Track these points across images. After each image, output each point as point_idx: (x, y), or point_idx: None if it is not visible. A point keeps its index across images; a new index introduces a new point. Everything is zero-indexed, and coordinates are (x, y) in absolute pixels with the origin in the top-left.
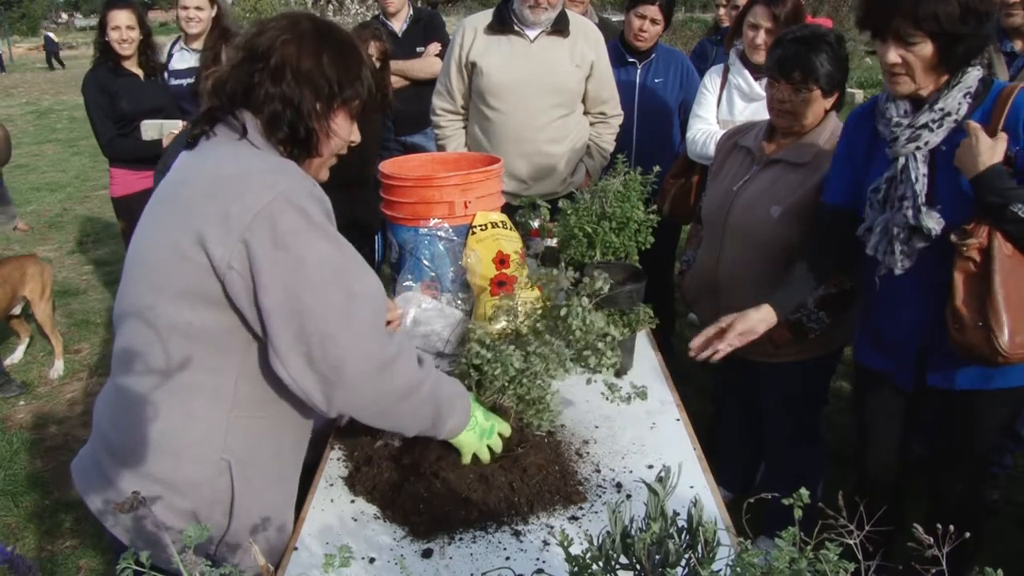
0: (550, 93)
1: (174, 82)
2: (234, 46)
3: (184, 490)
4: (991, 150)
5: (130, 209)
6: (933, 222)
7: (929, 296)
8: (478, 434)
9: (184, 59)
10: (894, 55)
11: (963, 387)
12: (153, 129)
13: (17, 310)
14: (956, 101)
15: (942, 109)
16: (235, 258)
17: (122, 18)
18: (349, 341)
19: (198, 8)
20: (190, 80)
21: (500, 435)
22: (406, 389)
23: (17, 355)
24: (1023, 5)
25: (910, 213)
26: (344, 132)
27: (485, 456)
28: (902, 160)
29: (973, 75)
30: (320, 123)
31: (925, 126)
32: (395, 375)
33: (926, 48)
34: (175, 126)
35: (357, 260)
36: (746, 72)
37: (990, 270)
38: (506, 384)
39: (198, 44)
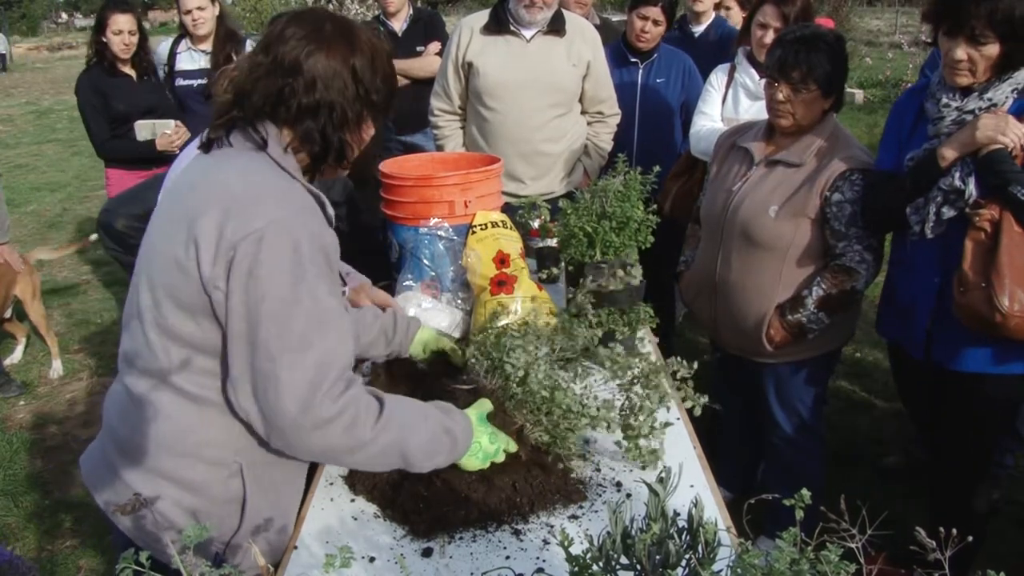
0: (547, 93)
1: (182, 82)
2: (256, 50)
3: (195, 489)
4: (994, 130)
5: None
6: (972, 187)
7: (942, 268)
8: (481, 459)
9: (193, 59)
10: (962, 52)
11: (966, 368)
12: (146, 129)
13: (8, 312)
14: (1004, 94)
15: (990, 99)
16: (220, 278)
17: (124, 22)
18: (287, 390)
19: (200, 8)
20: (201, 81)
21: (506, 451)
22: (348, 447)
23: (16, 355)
24: None
25: (957, 175)
26: (368, 136)
27: (485, 467)
28: (943, 139)
29: None
30: (354, 132)
31: (972, 112)
32: (331, 436)
33: (994, 48)
34: (167, 126)
35: (330, 313)
36: (752, 71)
37: (998, 240)
38: (543, 419)
39: (206, 45)
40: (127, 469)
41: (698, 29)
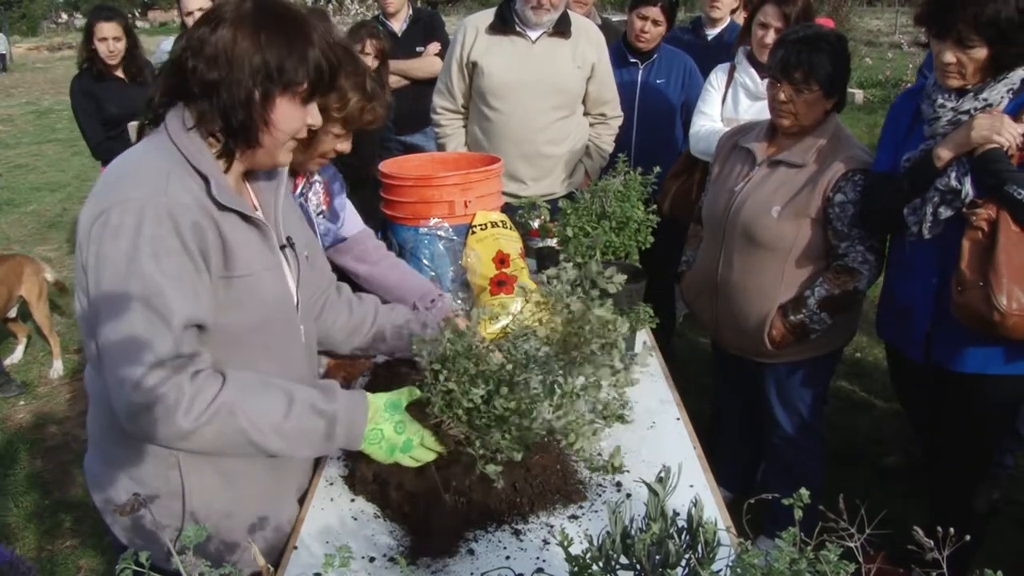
0: (551, 94)
1: None
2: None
3: (143, 482)
4: (989, 129)
5: None
6: (968, 186)
7: (940, 268)
8: (385, 450)
9: None
10: (950, 56)
11: (965, 369)
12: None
13: (13, 312)
14: (999, 94)
15: (985, 99)
16: (86, 260)
17: (108, 30)
18: (111, 374)
19: (201, 9)
20: None
21: (429, 447)
22: (170, 435)
23: (17, 355)
24: None
25: (953, 175)
26: (289, 121)
27: (410, 463)
28: (939, 139)
29: (1020, 73)
30: (258, 112)
31: (967, 112)
32: (149, 422)
33: (981, 52)
34: None
35: (161, 296)
36: (752, 71)
37: (995, 240)
38: (459, 412)
39: None
40: (98, 462)
41: (712, 32)
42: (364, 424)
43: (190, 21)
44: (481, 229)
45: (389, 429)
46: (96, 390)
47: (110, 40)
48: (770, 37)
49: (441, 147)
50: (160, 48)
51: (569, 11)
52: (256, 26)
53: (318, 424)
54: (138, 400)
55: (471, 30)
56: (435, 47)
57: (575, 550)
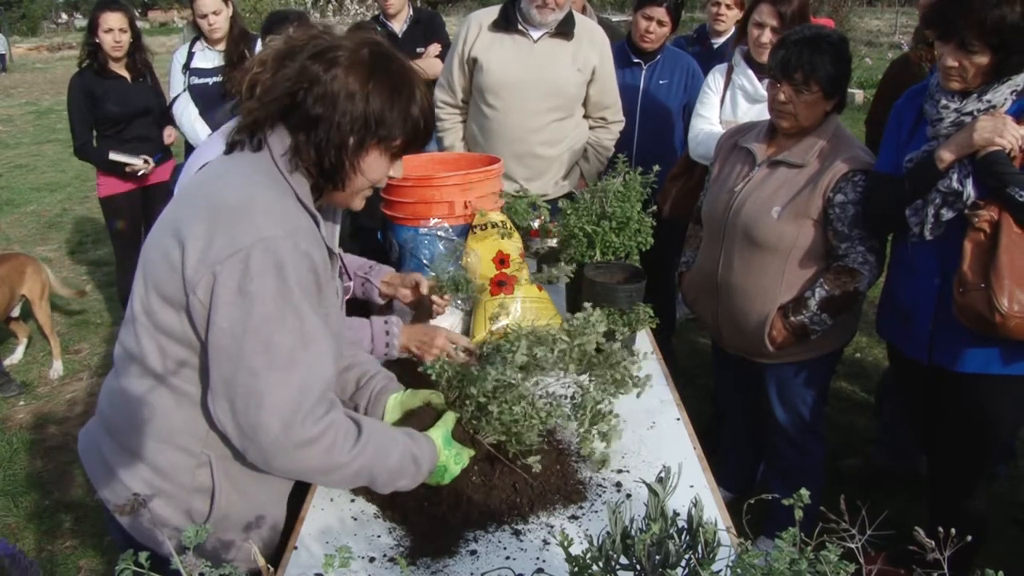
0: (548, 95)
1: (197, 80)
2: (291, 53)
3: (165, 473)
4: (992, 131)
5: (116, 209)
6: (970, 189)
7: (942, 270)
8: (445, 479)
9: (207, 58)
10: (952, 60)
11: (967, 370)
12: (121, 159)
13: (16, 311)
14: (1003, 96)
15: (989, 101)
16: (200, 286)
17: (114, 20)
18: (271, 407)
19: (215, 12)
20: (216, 79)
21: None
22: (324, 469)
23: (17, 355)
24: None
25: (955, 177)
26: (375, 172)
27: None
28: (941, 140)
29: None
30: (350, 158)
31: (970, 114)
32: (310, 456)
33: (984, 58)
34: (129, 162)
35: (314, 333)
36: (750, 72)
37: (997, 241)
38: (496, 424)
39: (220, 45)
40: (112, 450)
41: (718, 41)
42: (435, 464)
43: (204, 24)
44: (481, 229)
45: (452, 464)
46: (140, 392)
47: (115, 31)
48: (766, 36)
49: (439, 140)
50: (176, 54)
51: (575, 13)
52: (367, 75)
53: (410, 469)
54: (305, 435)
55: (474, 26)
56: (435, 48)
57: (575, 550)
